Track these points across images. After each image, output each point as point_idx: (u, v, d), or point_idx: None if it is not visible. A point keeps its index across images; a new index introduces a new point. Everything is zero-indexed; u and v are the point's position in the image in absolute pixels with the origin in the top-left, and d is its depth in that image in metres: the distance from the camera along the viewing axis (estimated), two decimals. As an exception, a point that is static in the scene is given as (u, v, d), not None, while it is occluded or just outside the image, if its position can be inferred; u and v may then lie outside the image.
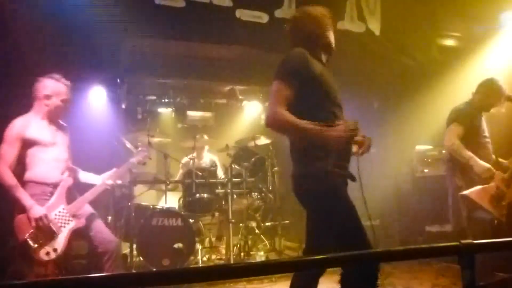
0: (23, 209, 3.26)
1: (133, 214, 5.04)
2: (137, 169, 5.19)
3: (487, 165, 3.72)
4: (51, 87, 3.45)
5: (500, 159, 3.88)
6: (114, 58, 5.05)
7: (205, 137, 6.29)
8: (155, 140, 5.79)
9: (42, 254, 3.27)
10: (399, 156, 5.97)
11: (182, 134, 7.04)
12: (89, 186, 3.68)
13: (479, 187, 3.70)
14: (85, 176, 3.74)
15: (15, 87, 4.10)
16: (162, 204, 5.49)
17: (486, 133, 3.99)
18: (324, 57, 2.65)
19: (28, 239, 3.25)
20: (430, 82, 5.45)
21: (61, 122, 3.62)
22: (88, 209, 3.57)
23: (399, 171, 6.05)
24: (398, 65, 5.61)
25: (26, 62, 4.22)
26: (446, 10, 5.36)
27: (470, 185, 3.78)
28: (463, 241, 1.61)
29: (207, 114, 7.38)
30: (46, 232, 3.29)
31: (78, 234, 3.51)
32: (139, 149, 4.09)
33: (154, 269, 4.62)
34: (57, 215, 3.37)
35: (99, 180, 3.70)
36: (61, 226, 3.37)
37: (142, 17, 4.43)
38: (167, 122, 7.31)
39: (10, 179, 3.23)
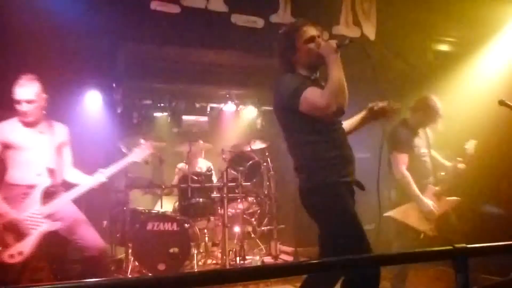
0: None
1: (128, 218, 5.03)
2: (132, 173, 5.20)
3: (431, 206, 3.76)
4: (19, 92, 3.37)
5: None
6: (109, 63, 5.05)
7: (201, 141, 6.29)
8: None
9: (6, 257, 3.17)
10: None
11: (177, 139, 7.03)
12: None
13: (404, 206, 3.79)
14: (72, 176, 3.66)
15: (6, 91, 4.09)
16: (157, 208, 5.49)
17: (425, 148, 4.00)
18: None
19: None
20: (425, 87, 5.46)
21: (47, 124, 3.54)
22: (73, 214, 3.48)
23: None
24: (393, 69, 5.63)
25: (22, 66, 4.21)
26: (441, 15, 5.39)
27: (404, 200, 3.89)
28: (457, 245, 1.63)
29: (203, 119, 7.38)
30: (12, 234, 3.20)
31: (56, 238, 3.41)
32: (142, 146, 3.91)
33: (150, 274, 4.62)
34: (29, 217, 3.27)
35: (87, 180, 3.59)
36: (31, 229, 3.26)
37: (138, 22, 4.44)
38: (163, 126, 7.29)
39: None
